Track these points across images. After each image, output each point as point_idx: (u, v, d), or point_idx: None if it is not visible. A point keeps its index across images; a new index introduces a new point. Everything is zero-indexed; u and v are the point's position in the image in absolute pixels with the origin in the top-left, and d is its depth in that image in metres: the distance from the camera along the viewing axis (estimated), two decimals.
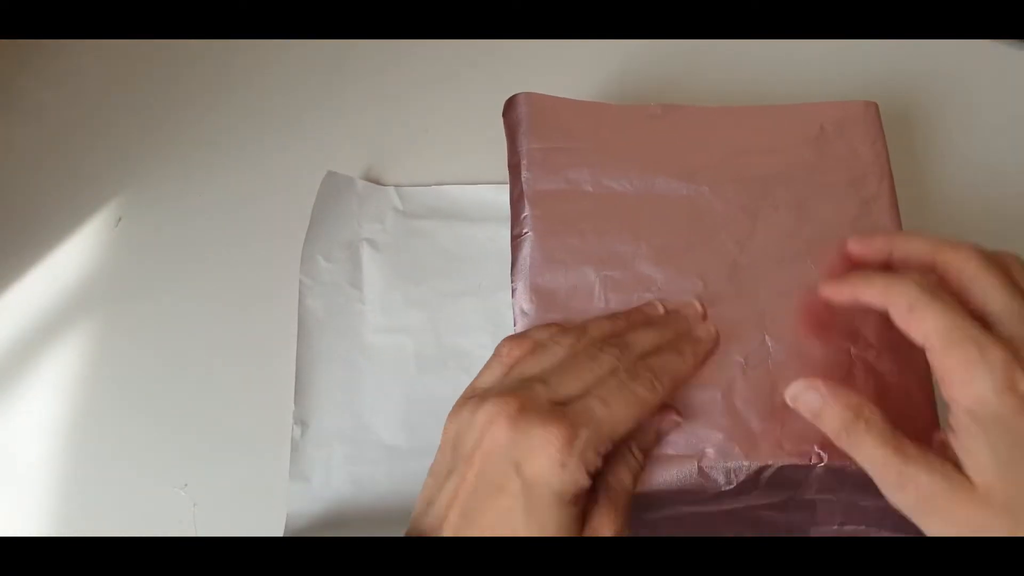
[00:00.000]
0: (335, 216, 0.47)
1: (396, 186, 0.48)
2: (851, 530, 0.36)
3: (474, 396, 0.33)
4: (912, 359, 0.35)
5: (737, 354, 0.35)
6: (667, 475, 0.34)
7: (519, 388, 0.32)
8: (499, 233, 0.44)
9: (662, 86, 0.50)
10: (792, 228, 0.38)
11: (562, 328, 0.35)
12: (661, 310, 0.36)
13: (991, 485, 0.28)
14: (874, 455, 0.30)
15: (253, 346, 0.44)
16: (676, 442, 0.34)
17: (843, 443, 0.31)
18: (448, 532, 0.31)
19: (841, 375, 0.35)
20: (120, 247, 0.48)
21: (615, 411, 0.32)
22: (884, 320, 0.31)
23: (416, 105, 0.51)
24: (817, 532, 0.36)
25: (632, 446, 0.33)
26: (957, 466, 0.29)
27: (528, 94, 0.40)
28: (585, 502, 0.31)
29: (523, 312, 0.36)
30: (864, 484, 0.34)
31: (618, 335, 0.35)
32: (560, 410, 0.31)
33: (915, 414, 0.35)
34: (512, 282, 0.37)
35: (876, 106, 0.41)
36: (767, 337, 0.36)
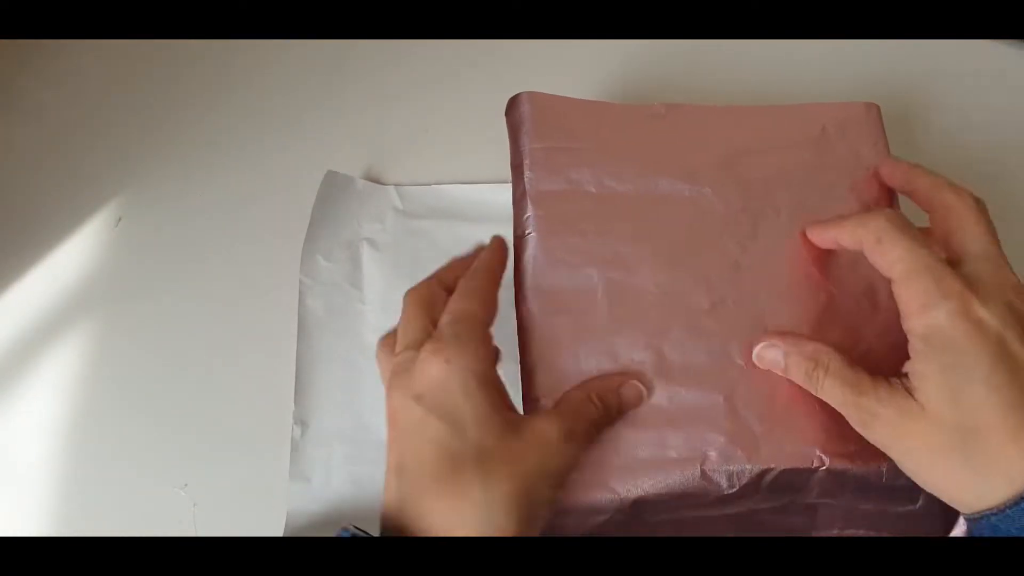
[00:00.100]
0: (335, 216, 0.47)
1: (396, 185, 0.48)
2: (851, 533, 0.36)
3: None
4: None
5: (738, 357, 0.35)
6: (669, 478, 0.33)
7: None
8: (499, 233, 0.44)
9: (662, 86, 0.50)
10: (794, 230, 0.38)
11: None
12: None
13: (941, 409, 0.29)
14: (836, 396, 0.32)
15: (253, 346, 0.44)
16: (678, 445, 0.34)
17: (813, 390, 0.33)
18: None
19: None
20: (120, 247, 0.48)
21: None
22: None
23: (416, 105, 0.51)
24: (818, 535, 0.36)
25: (592, 394, 0.33)
26: (911, 394, 0.30)
27: (531, 93, 0.40)
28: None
29: (527, 313, 0.36)
30: (865, 487, 0.34)
31: None
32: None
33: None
34: (515, 283, 0.37)
35: (878, 108, 0.41)
36: None
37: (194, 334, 0.45)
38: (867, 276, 0.37)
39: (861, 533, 0.36)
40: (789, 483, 0.34)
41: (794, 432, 0.34)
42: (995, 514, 0.28)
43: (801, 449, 0.34)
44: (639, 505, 0.33)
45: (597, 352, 0.35)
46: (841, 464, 0.33)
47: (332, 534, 0.30)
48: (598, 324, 0.36)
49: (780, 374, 0.34)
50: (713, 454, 0.34)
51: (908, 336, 0.31)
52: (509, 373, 0.34)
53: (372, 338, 0.43)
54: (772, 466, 0.34)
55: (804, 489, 0.34)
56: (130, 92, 0.52)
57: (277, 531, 0.40)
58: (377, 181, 0.48)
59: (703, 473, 0.33)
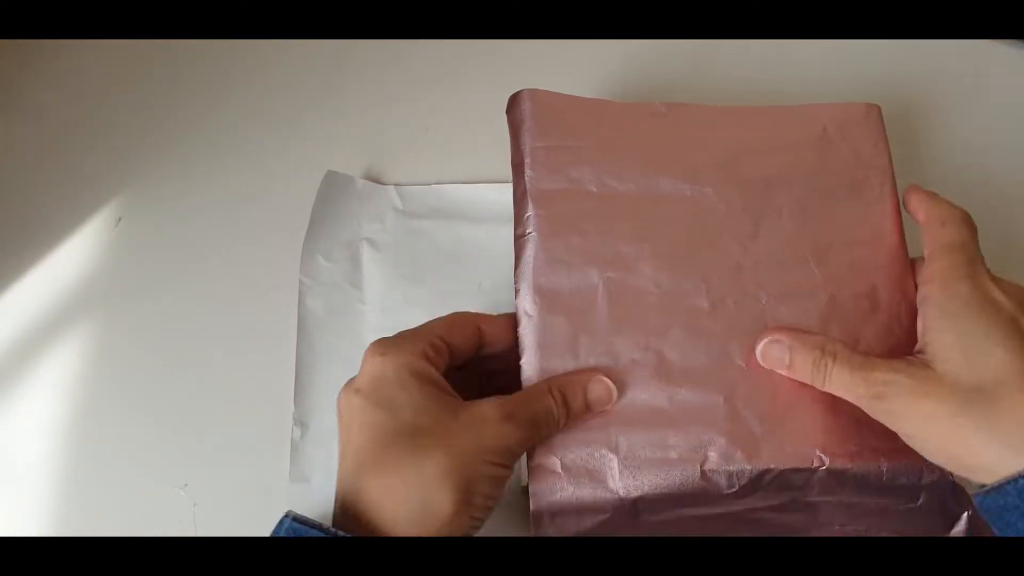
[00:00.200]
0: (335, 215, 0.47)
1: (396, 185, 0.48)
2: (852, 531, 0.36)
3: None
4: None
5: (739, 358, 0.35)
6: (669, 478, 0.34)
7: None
8: (499, 233, 0.44)
9: (663, 86, 0.50)
10: (795, 231, 0.38)
11: None
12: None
13: (959, 372, 0.31)
14: (847, 381, 0.33)
15: (253, 346, 0.44)
16: (678, 445, 0.34)
17: (820, 383, 0.34)
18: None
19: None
20: (120, 247, 0.48)
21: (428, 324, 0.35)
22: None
23: (416, 105, 0.51)
24: (818, 533, 0.36)
25: (553, 386, 0.34)
26: (926, 365, 0.32)
27: (532, 91, 0.40)
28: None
29: (527, 314, 0.36)
30: (865, 486, 0.34)
31: None
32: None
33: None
34: (515, 282, 0.37)
35: (879, 109, 0.41)
36: None
37: (194, 334, 0.45)
38: (868, 278, 0.37)
39: (862, 531, 0.36)
40: (789, 482, 0.34)
41: (794, 432, 0.34)
42: None
43: (801, 449, 0.34)
44: (639, 504, 0.33)
45: (597, 352, 0.35)
46: (841, 463, 0.34)
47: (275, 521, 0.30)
48: (598, 324, 0.36)
49: (784, 372, 0.35)
50: (713, 455, 0.34)
51: (924, 307, 0.34)
52: None
53: (372, 338, 0.43)
54: (772, 467, 0.34)
55: (804, 488, 0.34)
56: (130, 92, 0.52)
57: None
58: (377, 181, 0.48)
59: (703, 473, 0.34)
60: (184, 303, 0.46)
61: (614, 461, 0.34)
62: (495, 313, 0.37)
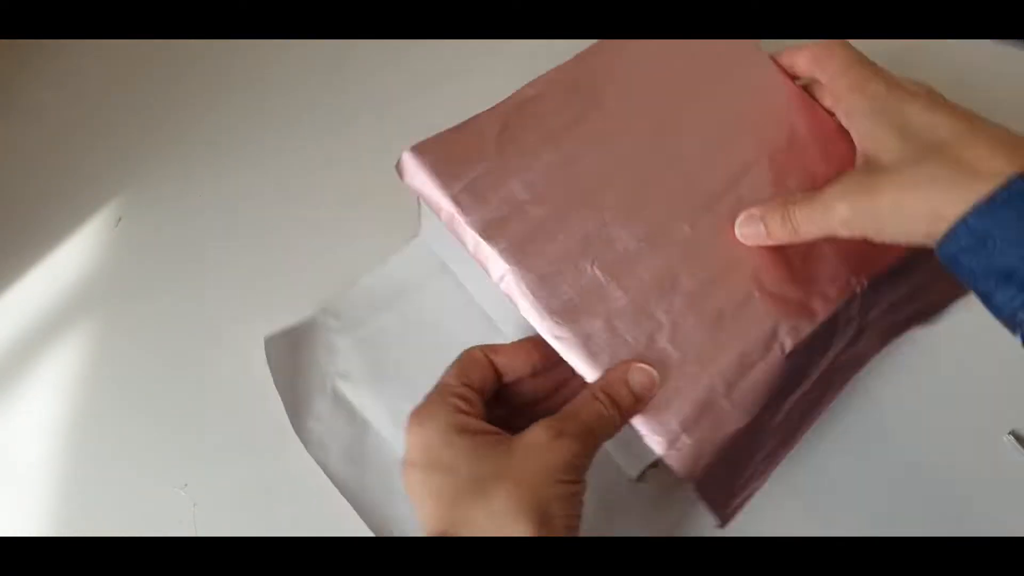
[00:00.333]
0: (293, 376, 0.43)
1: (322, 310, 0.44)
2: (904, 317, 0.42)
3: None
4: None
5: (740, 250, 0.38)
6: (769, 382, 0.36)
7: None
8: (448, 283, 0.45)
9: None
10: (713, 129, 0.40)
11: None
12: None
13: (902, 152, 0.33)
14: (814, 217, 0.35)
15: (254, 346, 0.44)
16: (752, 352, 0.36)
17: (796, 234, 0.36)
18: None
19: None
20: (120, 247, 0.48)
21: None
22: None
23: (416, 105, 0.51)
24: (886, 340, 0.42)
25: (596, 390, 0.34)
26: (869, 163, 0.35)
27: (415, 148, 0.39)
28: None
29: (558, 338, 0.35)
30: (893, 278, 0.39)
31: None
32: None
33: None
34: (528, 320, 0.36)
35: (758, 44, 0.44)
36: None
37: (194, 334, 0.45)
38: (786, 125, 0.41)
39: (911, 313, 0.42)
40: (849, 316, 0.38)
41: (823, 278, 0.38)
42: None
43: (836, 288, 0.38)
44: (763, 415, 0.36)
45: (636, 326, 0.36)
46: (871, 275, 0.38)
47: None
48: (619, 304, 0.36)
49: (767, 242, 0.37)
50: (785, 339, 0.37)
51: (851, 118, 0.38)
52: None
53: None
54: (830, 312, 0.37)
55: (860, 313, 0.39)
56: (130, 92, 0.52)
57: (277, 531, 0.40)
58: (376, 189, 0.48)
59: (790, 355, 0.36)
60: (184, 303, 0.46)
61: (723, 402, 0.35)
62: (503, 343, 0.37)
